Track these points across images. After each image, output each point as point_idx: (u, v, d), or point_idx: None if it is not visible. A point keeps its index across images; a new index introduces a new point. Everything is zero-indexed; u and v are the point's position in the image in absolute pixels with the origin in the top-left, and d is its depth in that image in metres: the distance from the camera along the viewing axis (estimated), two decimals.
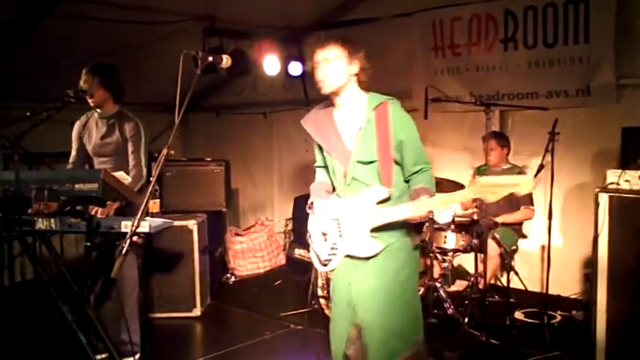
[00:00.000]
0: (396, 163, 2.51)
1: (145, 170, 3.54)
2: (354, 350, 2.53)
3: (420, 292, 3.98)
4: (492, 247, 4.30)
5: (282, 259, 6.33)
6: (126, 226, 2.69)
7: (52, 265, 3.00)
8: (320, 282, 4.58)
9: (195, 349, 4.16)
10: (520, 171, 4.60)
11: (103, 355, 3.21)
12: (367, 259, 2.48)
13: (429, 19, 5.32)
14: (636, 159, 3.43)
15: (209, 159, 5.53)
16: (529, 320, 4.30)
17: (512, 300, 4.55)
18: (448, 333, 3.99)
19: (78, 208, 2.80)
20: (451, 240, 4.24)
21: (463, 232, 4.26)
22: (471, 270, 4.61)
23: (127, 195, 2.99)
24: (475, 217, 4.27)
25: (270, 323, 4.47)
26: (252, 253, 6.11)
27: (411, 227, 2.54)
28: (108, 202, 3.15)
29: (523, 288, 4.66)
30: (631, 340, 3.18)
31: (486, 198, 2.24)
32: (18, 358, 3.01)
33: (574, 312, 4.34)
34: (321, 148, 2.70)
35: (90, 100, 3.44)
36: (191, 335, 4.46)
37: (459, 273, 5.03)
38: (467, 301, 4.18)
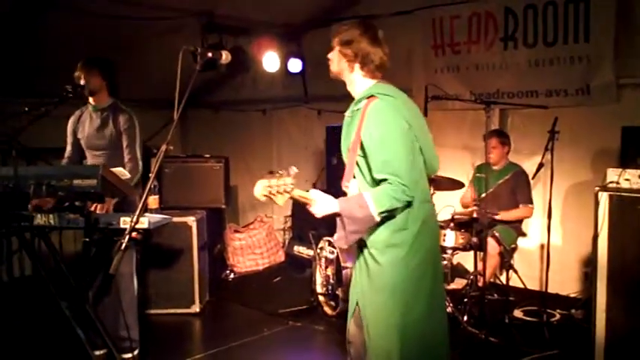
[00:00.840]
0: (366, 161, 2.35)
1: (140, 163, 3.51)
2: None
3: None
4: (492, 246, 4.30)
5: (281, 256, 6.32)
6: (125, 222, 2.67)
7: (50, 260, 3.00)
8: (319, 279, 4.59)
9: (194, 346, 4.17)
10: (519, 170, 4.60)
11: (102, 351, 3.22)
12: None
13: (429, 17, 5.32)
14: (636, 158, 3.44)
15: (208, 155, 5.51)
16: (528, 318, 4.30)
17: (511, 298, 4.57)
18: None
19: (77, 204, 2.79)
20: (450, 238, 4.22)
21: (462, 230, 4.25)
22: (470, 268, 4.61)
23: (125, 191, 2.98)
24: (475, 215, 4.27)
25: (269, 320, 4.47)
26: (251, 250, 6.10)
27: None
28: (106, 198, 3.13)
29: (522, 286, 4.66)
30: (630, 339, 3.18)
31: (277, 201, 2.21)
32: (17, 353, 3.02)
33: (573, 310, 4.35)
34: None
35: (85, 85, 3.34)
36: (190, 332, 4.45)
37: (458, 271, 5.02)
38: (466, 299, 4.18)
